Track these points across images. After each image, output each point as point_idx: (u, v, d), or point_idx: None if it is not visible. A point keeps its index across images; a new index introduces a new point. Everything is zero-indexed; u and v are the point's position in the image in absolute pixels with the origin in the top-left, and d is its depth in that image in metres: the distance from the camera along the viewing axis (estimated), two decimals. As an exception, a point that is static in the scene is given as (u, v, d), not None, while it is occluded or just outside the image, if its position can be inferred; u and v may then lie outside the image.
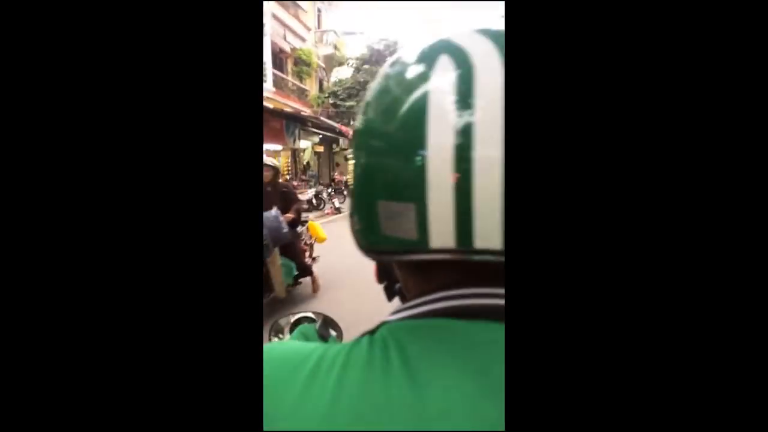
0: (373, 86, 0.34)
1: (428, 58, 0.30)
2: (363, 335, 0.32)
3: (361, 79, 16.14)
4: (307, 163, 16.31)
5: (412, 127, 0.28)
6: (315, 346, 0.32)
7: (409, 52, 0.33)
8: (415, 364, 0.28)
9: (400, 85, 0.31)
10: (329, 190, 12.22)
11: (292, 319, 0.78)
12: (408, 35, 18.93)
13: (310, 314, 0.77)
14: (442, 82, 0.28)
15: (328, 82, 18.09)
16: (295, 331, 0.63)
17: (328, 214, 11.34)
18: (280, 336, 0.77)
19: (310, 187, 13.29)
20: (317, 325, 0.64)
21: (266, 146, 13.27)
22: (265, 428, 0.28)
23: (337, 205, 11.62)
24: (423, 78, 0.29)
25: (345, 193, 14.38)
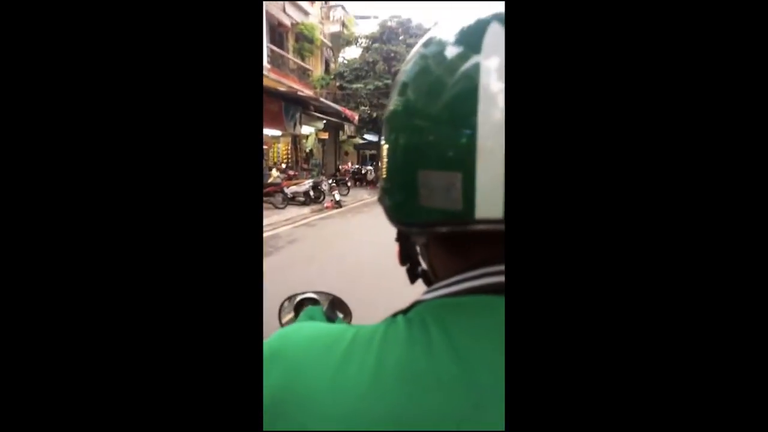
0: (409, 68, 0.33)
1: (476, 28, 0.30)
2: (395, 315, 0.32)
3: (370, 59, 14.67)
4: (310, 150, 14.99)
5: (463, 100, 0.28)
6: (345, 327, 0.32)
7: (444, 30, 0.32)
8: (459, 340, 0.28)
9: (443, 62, 0.30)
10: (330, 181, 10.84)
11: (296, 300, 0.72)
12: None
13: (312, 295, 0.71)
14: (495, 49, 0.28)
15: (335, 63, 16.66)
16: (302, 314, 0.60)
17: (327, 207, 10.04)
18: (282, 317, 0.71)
19: (313, 177, 11.99)
20: (324, 307, 0.61)
21: (264, 132, 12.05)
22: (296, 407, 0.28)
23: (337, 198, 10.26)
24: (471, 49, 0.29)
25: (348, 184, 13.05)
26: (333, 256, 5.04)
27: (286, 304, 0.73)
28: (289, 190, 9.72)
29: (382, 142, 0.35)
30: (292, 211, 8.94)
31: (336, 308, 0.64)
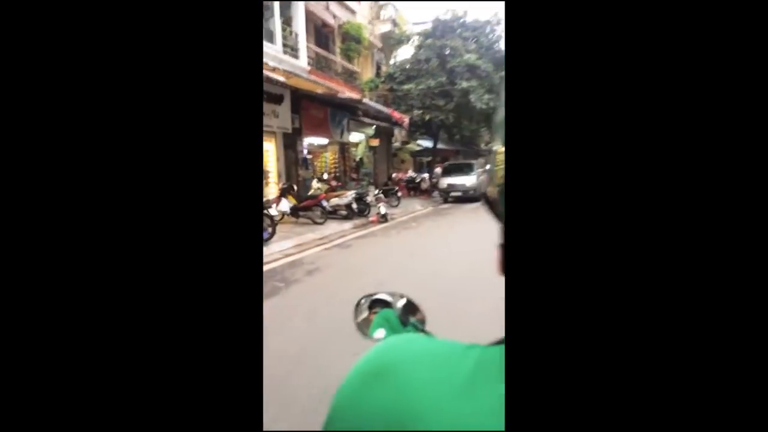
0: None
1: None
2: None
3: (423, 57, 13.39)
4: (360, 159, 14.02)
5: None
6: (462, 346, 0.30)
7: None
8: None
9: None
10: (376, 192, 9.65)
11: (367, 301, 0.73)
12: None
13: (385, 296, 0.72)
14: None
15: (386, 65, 15.62)
16: (376, 317, 0.64)
17: (372, 222, 8.90)
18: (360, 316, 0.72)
19: (362, 187, 10.94)
20: (398, 312, 0.63)
21: (310, 140, 11.28)
22: (413, 426, 0.26)
23: (382, 211, 9.04)
24: None
25: (399, 194, 11.80)
26: (354, 295, 3.80)
27: (362, 301, 0.73)
28: (330, 203, 8.72)
29: (496, 147, 0.33)
30: (332, 227, 7.90)
31: (409, 312, 0.64)
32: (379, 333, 0.63)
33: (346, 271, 4.78)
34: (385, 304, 0.70)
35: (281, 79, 7.03)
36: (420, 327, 0.64)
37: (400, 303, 0.68)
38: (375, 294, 0.73)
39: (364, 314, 0.71)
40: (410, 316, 0.63)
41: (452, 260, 4.76)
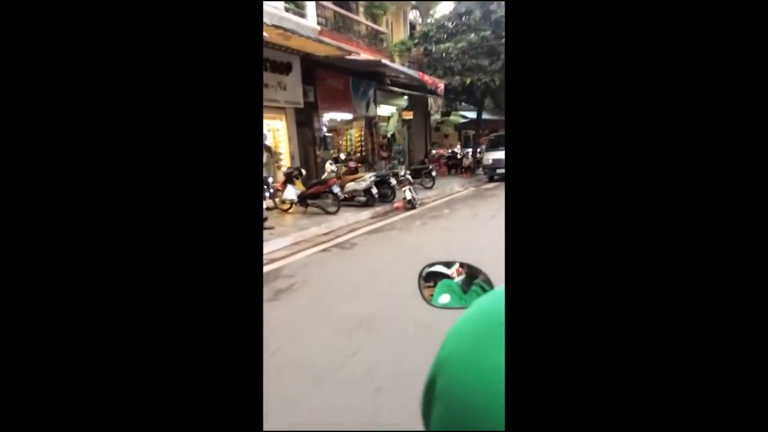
0: None
1: None
2: None
3: (463, 9, 11.31)
4: (392, 135, 12.42)
5: None
6: None
7: None
8: None
9: None
10: (403, 173, 8.09)
11: (423, 275, 0.77)
12: None
13: (441, 269, 0.75)
14: None
15: (422, 25, 13.65)
16: (440, 286, 0.71)
17: (397, 208, 7.42)
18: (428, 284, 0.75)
19: (393, 167, 9.43)
20: (459, 282, 0.69)
21: (331, 116, 9.92)
22: None
23: (408, 196, 7.49)
24: None
25: (434, 174, 10.10)
26: (313, 353, 2.41)
27: (422, 275, 0.76)
28: (346, 188, 7.35)
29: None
30: (345, 217, 6.55)
31: (471, 278, 0.70)
32: (444, 298, 0.71)
33: (327, 290, 3.40)
34: (443, 275, 0.73)
35: (264, 35, 5.62)
36: (488, 287, 0.68)
37: (460, 275, 0.72)
38: (431, 266, 0.75)
39: (427, 286, 0.74)
40: (473, 281, 0.67)
41: (489, 266, 3.17)
